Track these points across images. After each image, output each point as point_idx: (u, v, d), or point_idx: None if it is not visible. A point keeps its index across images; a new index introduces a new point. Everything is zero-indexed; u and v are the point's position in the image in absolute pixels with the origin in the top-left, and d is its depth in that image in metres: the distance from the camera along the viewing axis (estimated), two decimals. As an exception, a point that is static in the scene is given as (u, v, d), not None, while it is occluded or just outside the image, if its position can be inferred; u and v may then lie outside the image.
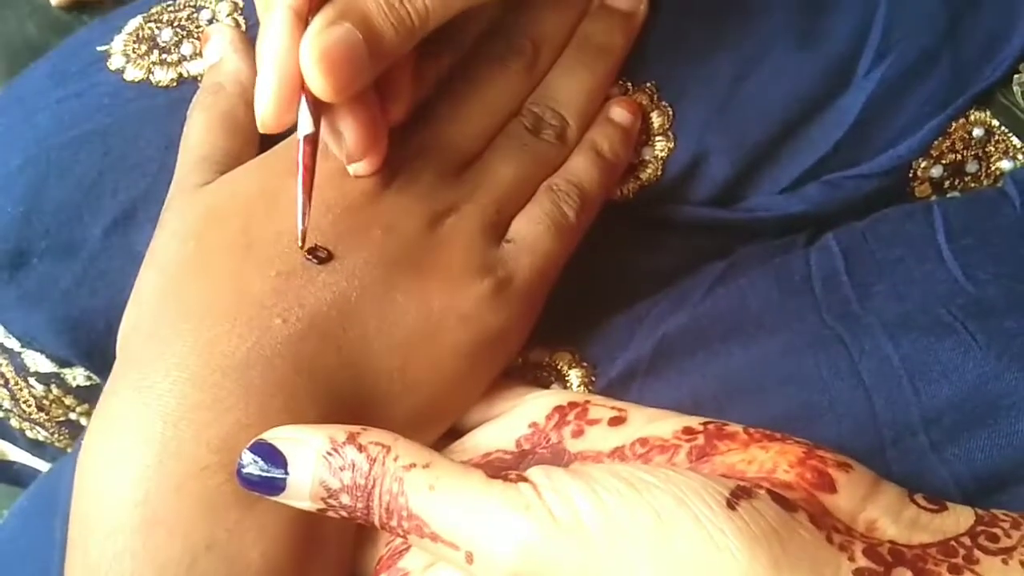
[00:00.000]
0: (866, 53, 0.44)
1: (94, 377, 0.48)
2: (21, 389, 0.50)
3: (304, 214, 0.35)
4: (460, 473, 0.30)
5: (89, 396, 0.50)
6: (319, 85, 0.33)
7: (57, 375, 0.48)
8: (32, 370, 0.48)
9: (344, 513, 0.30)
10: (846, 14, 0.44)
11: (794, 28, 0.43)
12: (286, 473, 0.30)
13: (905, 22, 0.44)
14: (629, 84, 0.44)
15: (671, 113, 0.44)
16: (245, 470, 0.30)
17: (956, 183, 0.46)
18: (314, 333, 0.35)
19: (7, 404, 0.53)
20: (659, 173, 0.44)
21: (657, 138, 0.44)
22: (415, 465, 0.30)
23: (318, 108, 0.35)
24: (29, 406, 0.52)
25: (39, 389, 0.49)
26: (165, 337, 0.34)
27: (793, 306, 0.40)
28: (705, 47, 0.44)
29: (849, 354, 0.37)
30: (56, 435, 0.54)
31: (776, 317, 0.39)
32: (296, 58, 0.33)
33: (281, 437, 0.31)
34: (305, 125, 0.35)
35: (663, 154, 0.44)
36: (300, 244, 0.35)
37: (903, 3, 0.43)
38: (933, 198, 0.46)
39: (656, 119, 0.44)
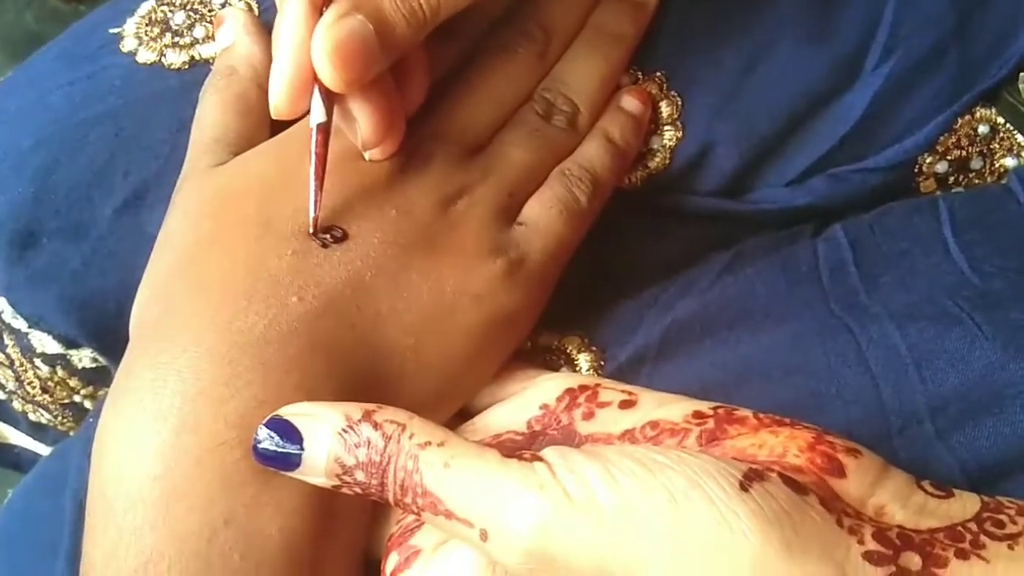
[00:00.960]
0: (874, 48, 0.44)
1: (100, 359, 0.48)
2: (26, 370, 0.50)
3: (316, 201, 0.35)
4: (475, 452, 0.30)
5: (95, 378, 0.50)
6: (330, 76, 0.34)
7: (63, 356, 0.48)
8: (39, 351, 0.48)
9: (358, 490, 0.30)
10: (855, 8, 0.44)
11: (804, 20, 0.44)
12: (301, 449, 0.30)
13: (913, 18, 0.44)
14: (639, 73, 0.45)
15: (680, 103, 0.44)
16: (261, 445, 0.31)
17: (960, 179, 0.46)
18: (330, 311, 0.35)
19: (11, 385, 0.53)
20: (667, 162, 0.45)
21: (665, 127, 0.44)
22: (430, 443, 0.30)
23: (331, 96, 0.35)
24: (33, 387, 0.52)
25: (44, 370, 0.49)
26: (181, 314, 0.35)
27: (800, 295, 0.40)
28: (714, 37, 0.44)
29: (856, 343, 0.37)
30: (60, 417, 0.54)
31: (784, 306, 0.40)
32: (310, 47, 0.34)
33: (297, 413, 0.31)
34: (318, 114, 0.35)
35: (671, 143, 0.44)
36: (312, 231, 0.36)
37: (910, 0, 0.44)
38: (938, 193, 0.46)
39: (665, 108, 0.44)
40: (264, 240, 0.36)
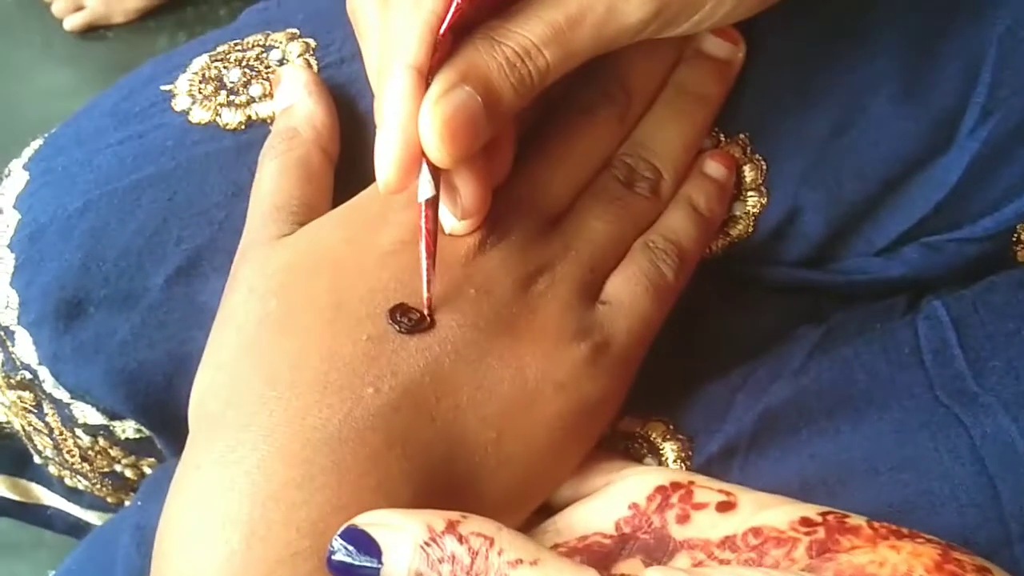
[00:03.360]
0: (971, 109, 0.42)
1: (144, 430, 0.46)
2: (66, 439, 0.48)
3: (429, 281, 0.33)
4: (572, 573, 0.27)
5: (138, 449, 0.48)
6: (438, 153, 0.32)
7: (106, 427, 0.46)
8: (80, 421, 0.46)
9: None
10: (952, 67, 0.41)
11: (898, 77, 0.41)
12: (380, 564, 0.28)
13: (1012, 80, 0.41)
14: (721, 135, 0.42)
15: (764, 167, 0.42)
16: (335, 557, 0.28)
17: (1060, 247, 0.44)
18: (407, 403, 0.32)
19: (49, 452, 0.51)
20: (750, 230, 0.42)
21: (749, 193, 0.42)
22: (522, 561, 0.27)
23: (437, 170, 0.33)
24: (73, 456, 0.49)
25: (85, 440, 0.47)
26: (249, 406, 0.32)
27: (903, 381, 0.37)
28: (802, 96, 0.41)
29: (969, 436, 0.35)
30: (98, 485, 0.52)
31: (886, 392, 0.37)
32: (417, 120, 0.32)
33: (375, 523, 0.28)
34: (426, 189, 0.33)
35: (755, 210, 0.42)
36: (427, 314, 0.34)
37: (1009, 61, 0.41)
38: (1038, 264, 0.44)
39: (749, 173, 0.42)
40: (336, 323, 0.33)
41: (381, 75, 0.33)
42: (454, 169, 0.33)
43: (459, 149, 0.31)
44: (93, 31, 1.46)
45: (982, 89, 0.41)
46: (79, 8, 1.45)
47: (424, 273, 0.33)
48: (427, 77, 0.32)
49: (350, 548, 0.28)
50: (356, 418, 0.32)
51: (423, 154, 0.32)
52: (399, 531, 0.28)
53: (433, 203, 0.33)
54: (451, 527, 0.28)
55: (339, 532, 0.28)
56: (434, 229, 0.33)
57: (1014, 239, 0.43)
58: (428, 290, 0.33)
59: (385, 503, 0.30)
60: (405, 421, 0.32)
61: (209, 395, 0.34)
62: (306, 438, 0.31)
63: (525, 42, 0.33)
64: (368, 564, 0.28)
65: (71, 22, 1.45)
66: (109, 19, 1.46)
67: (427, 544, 0.28)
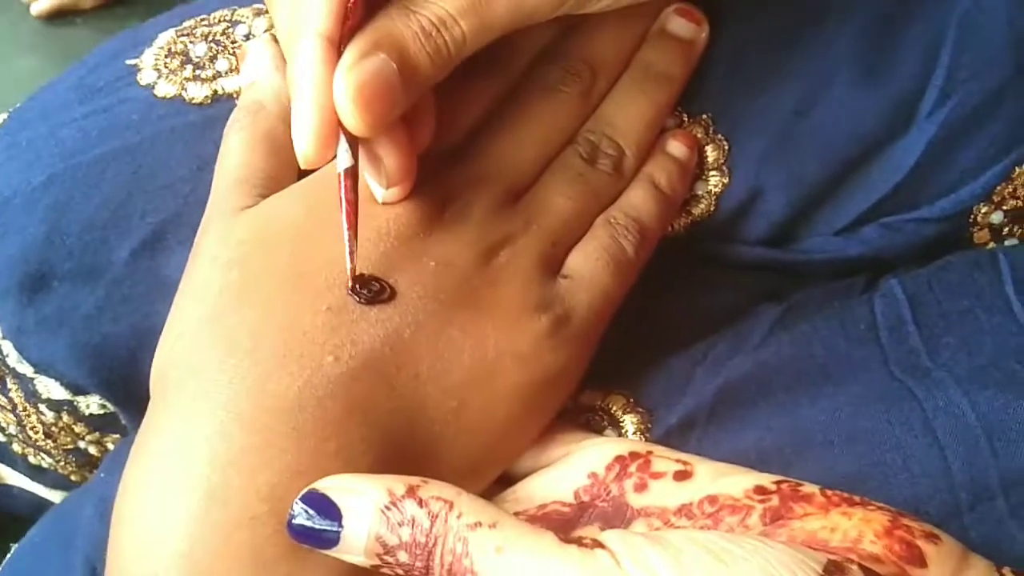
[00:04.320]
0: (930, 92, 0.42)
1: (108, 406, 0.46)
2: (29, 415, 0.48)
3: (351, 252, 0.33)
4: (530, 535, 0.27)
5: (101, 425, 0.48)
6: (354, 122, 0.31)
7: (70, 402, 0.46)
8: (44, 396, 0.45)
9: (400, 571, 0.28)
10: (912, 48, 0.42)
11: (859, 60, 0.41)
12: (340, 526, 0.28)
13: (970, 63, 0.42)
14: (684, 115, 0.42)
15: (727, 147, 0.42)
16: (296, 521, 0.29)
17: (1015, 230, 0.44)
18: (367, 372, 0.33)
19: (12, 429, 0.50)
20: (712, 209, 0.43)
21: (711, 173, 0.42)
22: (480, 524, 0.28)
23: (355, 139, 0.33)
24: (36, 432, 0.49)
25: (49, 416, 0.47)
26: (209, 374, 0.32)
27: (860, 356, 0.38)
28: (764, 78, 0.42)
29: (922, 410, 0.35)
30: (62, 462, 0.52)
31: (842, 367, 0.37)
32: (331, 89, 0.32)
33: (335, 487, 0.29)
34: (344, 159, 0.33)
35: (717, 189, 0.42)
36: (349, 283, 0.33)
37: (968, 43, 0.42)
38: (991, 244, 0.44)
39: (711, 153, 0.42)
40: (297, 294, 0.33)
41: (290, 44, 0.33)
42: (374, 139, 0.33)
43: (375, 117, 0.31)
44: (61, 17, 1.45)
45: (940, 72, 0.42)
46: (47, -7, 1.44)
47: (347, 243, 0.33)
48: (339, 46, 0.32)
49: (311, 512, 0.28)
50: (315, 385, 0.32)
51: (340, 124, 0.32)
52: (360, 495, 0.28)
53: (352, 173, 0.33)
54: (411, 491, 0.28)
55: (300, 496, 0.29)
56: (354, 199, 0.33)
57: (970, 220, 0.43)
58: (351, 260, 0.33)
59: (345, 469, 0.30)
60: (365, 390, 0.32)
61: (170, 363, 0.34)
62: (265, 404, 0.31)
63: (440, 12, 0.33)
64: (328, 527, 0.28)
65: (38, 7, 1.44)
66: (77, 5, 1.44)
67: (387, 508, 0.28)
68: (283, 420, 0.31)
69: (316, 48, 0.32)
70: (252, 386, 0.32)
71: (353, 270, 0.33)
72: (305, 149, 0.32)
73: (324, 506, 0.28)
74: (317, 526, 0.28)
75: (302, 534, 0.29)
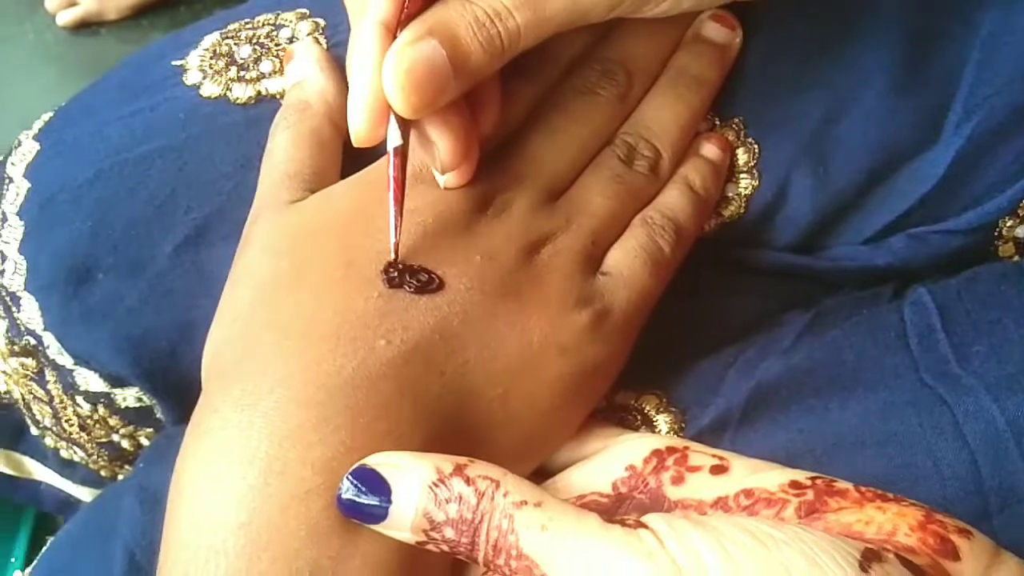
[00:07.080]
0: (956, 107, 0.43)
1: (144, 399, 0.47)
2: (65, 407, 0.49)
3: (396, 227, 0.34)
4: (575, 515, 0.28)
5: (136, 418, 0.48)
6: (400, 102, 0.33)
7: (107, 395, 0.46)
8: (81, 388, 0.46)
9: (446, 547, 0.29)
10: (940, 64, 0.43)
11: (889, 73, 0.42)
12: (388, 502, 0.29)
13: (995, 79, 0.43)
14: (717, 119, 0.43)
15: (757, 150, 0.43)
16: (345, 495, 0.29)
17: (1040, 244, 0.45)
18: (418, 356, 0.33)
19: (47, 421, 0.51)
20: (742, 210, 0.43)
21: (742, 175, 0.43)
22: (526, 503, 0.28)
23: (406, 122, 0.34)
24: (71, 425, 0.50)
25: (85, 408, 0.48)
26: (265, 355, 0.33)
27: (890, 362, 0.38)
28: (796, 84, 0.43)
29: (952, 415, 0.36)
30: (94, 456, 0.52)
31: (873, 372, 0.38)
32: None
33: (385, 464, 0.30)
34: (394, 138, 0.34)
35: (747, 192, 0.43)
36: (393, 258, 0.35)
37: (994, 59, 0.43)
38: (1016, 258, 0.45)
39: (742, 155, 0.43)
40: (348, 281, 0.34)
41: (354, 29, 0.34)
42: (427, 122, 0.34)
43: (421, 100, 0.33)
44: (86, 27, 1.47)
45: (967, 86, 0.43)
46: (72, 4, 1.45)
47: (392, 219, 0.34)
48: (394, 31, 0.33)
49: (361, 487, 0.29)
50: (369, 366, 0.33)
51: (389, 105, 0.33)
52: (408, 472, 0.29)
53: (401, 152, 0.34)
54: (459, 470, 0.29)
55: (349, 472, 0.29)
56: (401, 178, 0.34)
57: (996, 234, 0.44)
58: (395, 235, 0.34)
59: (395, 448, 0.31)
60: (415, 373, 0.33)
61: (224, 346, 0.35)
62: (320, 383, 0.32)
63: (496, 4, 0.33)
64: (377, 503, 0.29)
65: (64, 18, 1.45)
66: (102, 16, 1.46)
67: (435, 485, 0.29)
68: (337, 398, 0.32)
69: (373, 32, 0.33)
70: (308, 366, 0.32)
71: (396, 245, 0.34)
72: (357, 126, 0.34)
73: (373, 481, 0.29)
74: (366, 501, 0.29)
75: (351, 508, 0.29)
